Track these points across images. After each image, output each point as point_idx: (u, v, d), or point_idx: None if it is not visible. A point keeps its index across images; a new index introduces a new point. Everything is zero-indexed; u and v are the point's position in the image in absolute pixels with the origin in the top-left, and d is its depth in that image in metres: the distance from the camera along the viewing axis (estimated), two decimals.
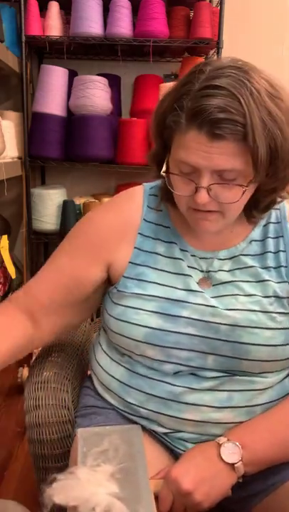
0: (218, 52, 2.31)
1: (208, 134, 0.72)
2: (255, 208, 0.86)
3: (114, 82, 2.49)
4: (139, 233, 0.91)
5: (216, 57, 2.35)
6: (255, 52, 2.68)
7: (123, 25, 2.25)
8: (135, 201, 0.94)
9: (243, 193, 0.77)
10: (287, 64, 2.67)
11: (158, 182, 0.94)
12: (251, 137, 0.71)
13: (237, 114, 0.70)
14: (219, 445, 0.80)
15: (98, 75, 2.41)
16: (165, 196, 0.89)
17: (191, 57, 2.50)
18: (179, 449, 0.87)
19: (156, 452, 0.87)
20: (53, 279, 0.94)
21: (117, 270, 0.90)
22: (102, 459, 0.73)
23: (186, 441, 0.86)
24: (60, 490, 0.68)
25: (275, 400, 0.87)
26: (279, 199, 0.87)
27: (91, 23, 2.23)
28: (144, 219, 0.92)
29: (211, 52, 2.51)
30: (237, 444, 0.79)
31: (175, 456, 0.88)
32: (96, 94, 2.28)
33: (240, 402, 0.84)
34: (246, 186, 0.76)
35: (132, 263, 0.89)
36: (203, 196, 0.76)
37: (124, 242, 0.90)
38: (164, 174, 0.82)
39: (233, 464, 0.78)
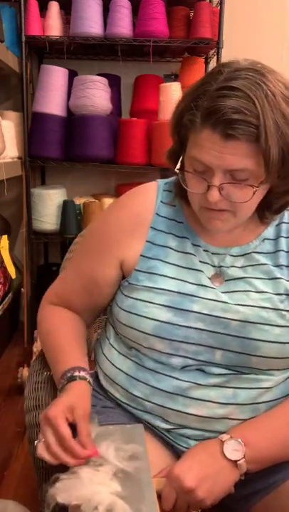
0: (218, 53, 2.32)
1: (221, 133, 0.73)
2: (268, 209, 0.87)
3: (114, 82, 2.49)
4: (151, 227, 0.92)
5: (216, 57, 2.36)
6: (255, 53, 2.67)
7: (123, 25, 2.25)
8: (148, 196, 0.95)
9: (254, 194, 0.78)
10: (287, 64, 2.67)
11: (172, 178, 0.95)
12: (264, 139, 0.72)
13: (251, 116, 0.72)
14: (222, 442, 0.80)
15: (98, 75, 2.41)
16: (179, 193, 0.91)
17: (191, 57, 2.50)
18: (181, 446, 0.87)
19: (159, 451, 0.88)
20: (75, 284, 0.99)
21: (130, 264, 0.91)
22: (105, 458, 0.73)
23: (189, 438, 0.87)
24: (63, 489, 0.68)
25: (279, 398, 0.87)
26: None
27: (91, 23, 2.23)
28: (156, 213, 0.93)
29: (211, 52, 2.51)
30: (240, 441, 0.79)
31: (177, 454, 0.88)
32: (96, 94, 2.28)
33: (245, 400, 0.85)
34: (257, 187, 0.77)
35: (143, 256, 0.90)
36: (214, 195, 0.78)
37: (136, 237, 0.92)
38: (178, 171, 0.84)
39: (235, 461, 0.78)
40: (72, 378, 0.84)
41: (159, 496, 0.76)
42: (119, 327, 0.93)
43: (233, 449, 0.79)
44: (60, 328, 0.97)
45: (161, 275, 0.88)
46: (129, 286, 0.90)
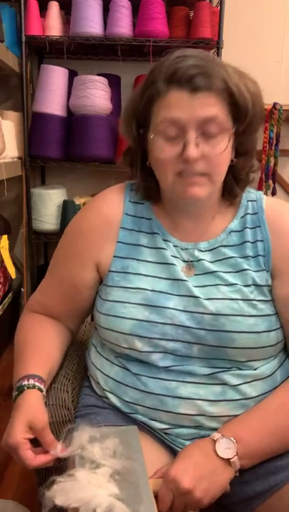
0: (218, 53, 2.32)
1: (188, 88, 0.78)
2: (237, 183, 0.90)
3: (114, 82, 2.49)
4: (121, 227, 0.93)
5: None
6: (255, 53, 2.69)
7: (123, 25, 2.25)
8: (115, 197, 0.97)
9: (226, 147, 0.81)
10: (286, 64, 2.67)
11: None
12: (224, 86, 0.79)
13: (210, 70, 0.79)
14: (214, 441, 0.80)
15: (98, 75, 2.41)
16: (144, 192, 0.93)
17: None
18: (177, 446, 0.88)
19: (155, 451, 0.88)
20: (55, 291, 0.99)
21: (105, 266, 0.93)
22: (100, 460, 0.73)
23: (184, 439, 0.87)
24: (61, 492, 0.68)
25: (267, 392, 0.88)
26: (251, 177, 0.93)
27: (91, 23, 2.23)
28: (125, 213, 0.94)
29: (211, 52, 2.51)
30: (231, 439, 0.80)
31: (174, 453, 0.88)
32: (96, 94, 2.28)
33: (234, 396, 0.85)
34: (228, 140, 0.82)
35: (116, 257, 0.91)
36: (192, 149, 0.79)
37: (108, 238, 0.93)
38: (152, 138, 0.85)
39: (229, 459, 0.79)
40: (21, 388, 0.83)
41: (156, 497, 0.76)
42: (100, 332, 0.94)
43: (225, 448, 0.79)
44: (27, 336, 0.97)
45: (136, 274, 0.89)
46: (106, 288, 0.91)
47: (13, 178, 2.28)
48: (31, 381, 0.84)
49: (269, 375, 0.89)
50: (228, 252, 0.89)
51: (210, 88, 0.78)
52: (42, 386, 0.85)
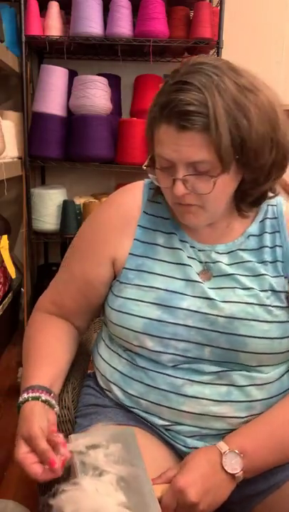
0: (218, 53, 2.32)
1: (175, 126, 0.75)
2: (243, 202, 0.87)
3: (114, 82, 2.49)
4: (138, 225, 0.92)
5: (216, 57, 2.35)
6: (255, 53, 2.69)
7: (123, 25, 2.25)
8: (134, 194, 0.96)
9: (214, 184, 0.78)
10: (287, 64, 2.67)
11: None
12: (214, 127, 0.73)
13: (201, 106, 0.73)
14: (221, 454, 0.79)
15: (98, 75, 2.41)
16: (159, 191, 0.91)
17: (191, 57, 2.49)
18: (180, 444, 0.87)
19: (157, 447, 0.88)
20: (68, 287, 0.98)
21: (120, 263, 0.92)
22: (101, 467, 0.72)
23: (186, 436, 0.87)
24: (69, 501, 0.66)
25: (274, 396, 0.87)
26: (271, 194, 0.89)
27: (91, 23, 2.23)
28: (143, 211, 0.94)
29: (211, 52, 2.51)
30: (239, 454, 0.79)
31: (174, 450, 0.89)
32: (96, 94, 2.28)
33: (240, 397, 0.85)
34: (216, 177, 0.77)
35: (132, 254, 0.91)
36: (179, 188, 0.79)
37: (125, 235, 0.92)
38: (145, 168, 0.86)
39: (234, 475, 0.79)
40: (19, 406, 0.82)
41: (159, 502, 0.75)
42: (110, 327, 0.93)
43: (232, 462, 0.79)
44: (35, 340, 0.95)
45: (151, 273, 0.89)
46: (120, 285, 0.91)
47: (13, 178, 2.28)
48: (25, 395, 0.82)
49: (277, 379, 0.88)
50: (246, 256, 0.89)
51: (196, 129, 0.73)
52: (38, 394, 0.82)
